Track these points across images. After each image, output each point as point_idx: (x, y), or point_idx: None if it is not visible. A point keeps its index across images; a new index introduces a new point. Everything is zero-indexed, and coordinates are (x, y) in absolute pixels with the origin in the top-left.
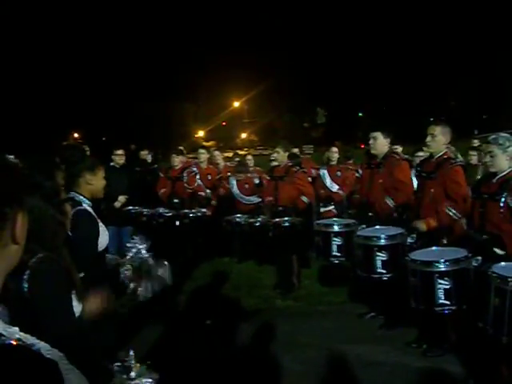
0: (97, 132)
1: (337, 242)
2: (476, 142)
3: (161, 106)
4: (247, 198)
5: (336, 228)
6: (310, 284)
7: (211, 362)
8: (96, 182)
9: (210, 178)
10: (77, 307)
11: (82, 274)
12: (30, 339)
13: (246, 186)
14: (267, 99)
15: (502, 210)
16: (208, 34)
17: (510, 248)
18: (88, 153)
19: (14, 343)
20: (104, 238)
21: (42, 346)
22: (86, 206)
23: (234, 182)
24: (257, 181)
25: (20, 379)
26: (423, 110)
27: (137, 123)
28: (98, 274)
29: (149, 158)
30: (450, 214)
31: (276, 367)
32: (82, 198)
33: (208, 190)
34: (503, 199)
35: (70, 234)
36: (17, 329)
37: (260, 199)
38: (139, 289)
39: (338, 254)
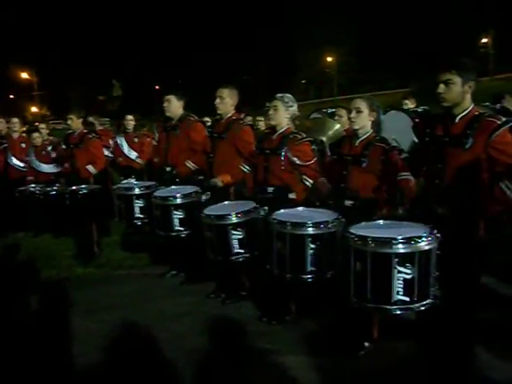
0: None
1: (139, 204)
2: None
3: None
4: (47, 166)
5: (137, 191)
6: (110, 251)
7: (14, 330)
8: None
9: None
10: None
11: None
12: None
13: (43, 152)
14: (59, 71)
15: (283, 163)
16: None
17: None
18: None
19: None
20: None
21: None
22: None
23: (32, 151)
24: (50, 148)
25: None
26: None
27: None
28: None
29: None
30: (244, 169)
31: (78, 330)
32: None
33: None
34: (283, 153)
35: None
36: None
37: (59, 168)
38: None
39: (141, 216)
